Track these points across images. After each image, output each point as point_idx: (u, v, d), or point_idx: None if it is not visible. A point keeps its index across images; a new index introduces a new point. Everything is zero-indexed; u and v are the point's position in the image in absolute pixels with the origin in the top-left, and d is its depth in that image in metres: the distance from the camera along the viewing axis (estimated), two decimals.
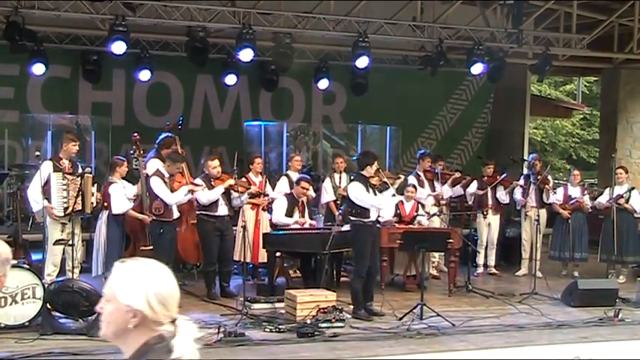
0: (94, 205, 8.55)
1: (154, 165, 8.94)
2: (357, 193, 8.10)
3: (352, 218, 8.19)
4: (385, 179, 8.45)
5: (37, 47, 10.34)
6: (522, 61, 12.66)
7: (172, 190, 8.29)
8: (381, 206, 8.45)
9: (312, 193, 10.35)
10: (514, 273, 11.15)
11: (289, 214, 9.49)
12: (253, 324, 7.59)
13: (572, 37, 11.92)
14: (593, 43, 12.23)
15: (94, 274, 8.87)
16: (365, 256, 8.14)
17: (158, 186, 8.15)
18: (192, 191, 8.46)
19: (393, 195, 8.51)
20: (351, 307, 8.40)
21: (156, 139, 9.64)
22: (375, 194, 8.26)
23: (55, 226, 8.25)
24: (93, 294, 7.24)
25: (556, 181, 11.71)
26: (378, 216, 8.62)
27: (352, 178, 8.28)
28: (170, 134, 9.59)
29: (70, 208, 8.18)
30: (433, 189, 10.97)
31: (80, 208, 8.33)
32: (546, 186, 11.00)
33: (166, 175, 8.27)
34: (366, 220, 8.13)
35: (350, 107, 13.37)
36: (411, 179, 10.94)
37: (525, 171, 11.74)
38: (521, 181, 11.19)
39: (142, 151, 9.05)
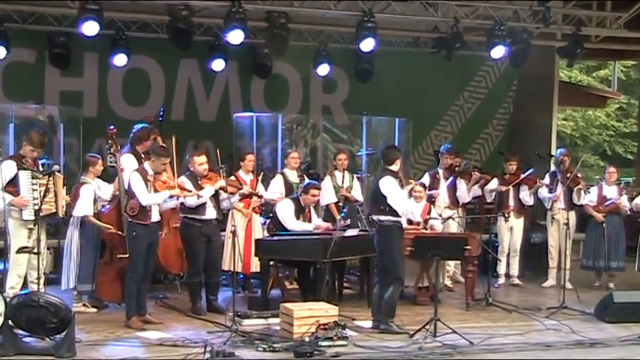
0: (64, 207, 8.58)
1: (127, 161, 8.93)
2: (393, 190, 8.14)
3: (382, 218, 8.18)
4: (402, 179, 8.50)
5: None
6: (550, 44, 12.65)
7: (156, 191, 8.26)
8: (412, 214, 8.51)
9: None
10: (540, 284, 11.19)
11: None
12: (244, 342, 7.57)
13: (606, 15, 11.92)
14: (631, 22, 12.20)
15: (64, 286, 8.87)
16: (401, 261, 8.30)
17: (136, 182, 8.13)
18: (176, 196, 8.43)
19: None
20: (355, 322, 8.46)
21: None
22: None
23: (20, 231, 8.26)
24: (62, 309, 7.22)
25: (588, 184, 11.67)
26: None
27: (382, 173, 8.26)
28: (146, 125, 9.57)
29: (42, 211, 8.14)
30: (454, 190, 10.98)
31: (53, 210, 8.36)
32: (577, 186, 11.00)
33: (150, 172, 8.23)
34: (398, 220, 8.22)
35: (353, 96, 13.37)
36: (425, 177, 10.96)
37: (552, 168, 11.73)
38: (547, 180, 11.20)
39: (118, 147, 9.05)
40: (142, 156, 9.08)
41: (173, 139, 9.19)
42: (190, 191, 8.63)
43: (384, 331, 8.08)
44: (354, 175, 11.12)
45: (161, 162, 8.31)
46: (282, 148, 12.84)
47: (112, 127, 9.14)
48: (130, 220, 8.19)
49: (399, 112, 13.49)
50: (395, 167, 8.31)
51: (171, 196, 8.38)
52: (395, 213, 8.18)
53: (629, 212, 11.09)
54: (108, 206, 9.01)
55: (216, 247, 9.11)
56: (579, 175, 11.22)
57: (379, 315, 8.35)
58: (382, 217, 8.19)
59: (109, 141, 9.10)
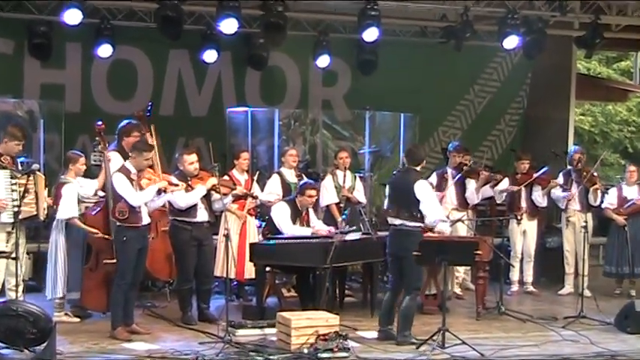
0: (45, 209, 8.56)
1: (114, 159, 8.90)
2: (430, 196, 8.17)
3: (410, 224, 8.13)
4: None
5: None
6: (567, 33, 12.63)
7: (141, 189, 8.24)
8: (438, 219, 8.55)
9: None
10: (556, 291, 11.21)
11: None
12: (238, 354, 7.58)
13: (627, 2, 11.89)
14: None
15: (50, 295, 8.83)
16: (420, 269, 8.35)
17: (121, 184, 8.13)
18: (164, 190, 8.41)
19: None
20: (357, 332, 8.45)
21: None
22: None
23: None
24: (42, 319, 7.23)
25: (608, 184, 11.68)
26: None
27: (410, 175, 8.20)
28: (132, 120, 9.53)
29: (22, 213, 8.10)
30: (462, 190, 10.94)
31: (34, 212, 8.33)
32: (593, 186, 10.97)
33: (133, 171, 8.22)
34: (421, 225, 8.23)
35: (355, 90, 13.34)
36: (433, 177, 10.92)
37: (568, 167, 11.68)
38: (561, 179, 11.18)
39: (106, 144, 9.02)
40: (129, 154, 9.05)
41: (152, 127, 9.15)
42: (177, 185, 8.59)
43: (401, 343, 8.04)
44: (357, 175, 11.10)
45: (143, 158, 8.31)
46: (279, 146, 12.87)
47: (99, 122, 9.06)
48: (118, 224, 8.18)
49: (405, 106, 13.51)
50: (420, 169, 8.34)
51: (159, 191, 8.37)
52: (423, 219, 8.17)
53: None
54: (96, 208, 8.95)
55: (208, 252, 9.09)
56: (595, 174, 11.19)
57: (386, 324, 8.33)
58: (410, 223, 8.13)
59: (97, 138, 9.04)
